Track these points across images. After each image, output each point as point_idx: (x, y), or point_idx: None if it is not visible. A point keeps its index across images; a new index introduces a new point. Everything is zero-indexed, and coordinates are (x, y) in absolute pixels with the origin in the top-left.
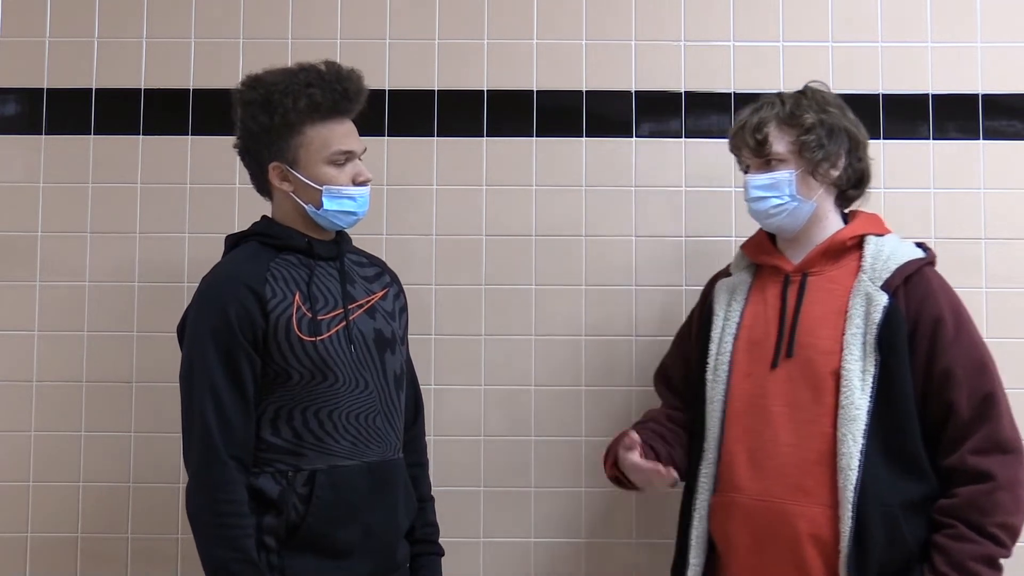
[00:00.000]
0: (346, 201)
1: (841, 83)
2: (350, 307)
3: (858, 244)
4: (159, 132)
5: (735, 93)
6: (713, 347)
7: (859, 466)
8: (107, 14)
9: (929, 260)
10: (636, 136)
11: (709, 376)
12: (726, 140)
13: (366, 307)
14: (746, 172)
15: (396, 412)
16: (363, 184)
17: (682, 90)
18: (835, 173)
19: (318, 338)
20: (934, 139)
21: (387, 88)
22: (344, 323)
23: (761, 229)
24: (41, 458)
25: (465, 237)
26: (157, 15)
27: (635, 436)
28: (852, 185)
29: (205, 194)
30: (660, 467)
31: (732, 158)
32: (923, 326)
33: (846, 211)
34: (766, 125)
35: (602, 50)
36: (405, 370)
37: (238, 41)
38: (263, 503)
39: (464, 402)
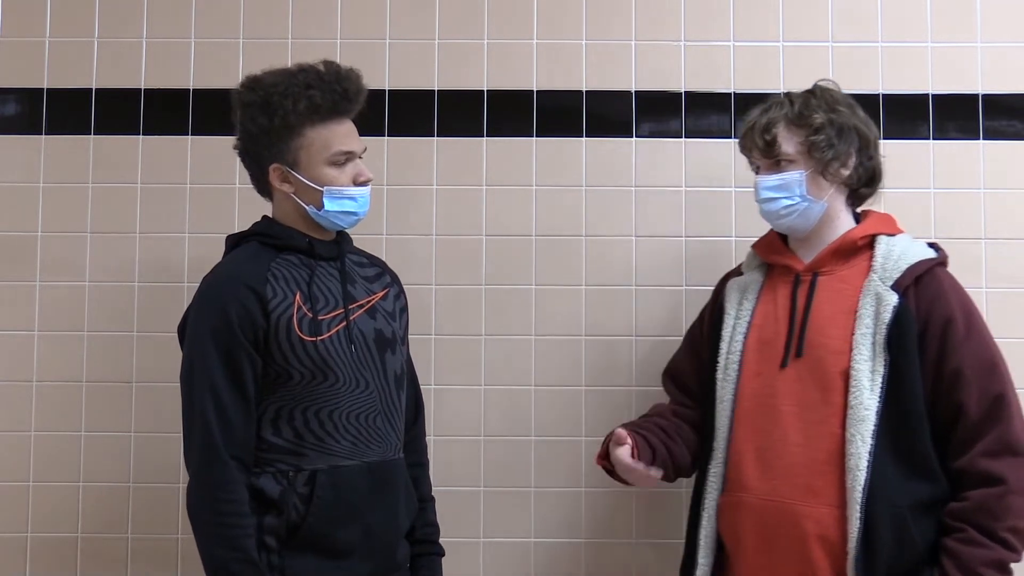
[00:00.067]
0: (347, 202)
1: (841, 83)
2: (351, 307)
3: (869, 244)
4: (159, 132)
5: (735, 93)
6: (724, 346)
7: (868, 467)
8: (107, 14)
9: (940, 260)
10: (636, 136)
11: (719, 375)
12: (726, 140)
13: (366, 307)
14: (756, 173)
15: (397, 412)
16: (364, 184)
17: (682, 90)
18: (845, 172)
19: (319, 338)
20: (934, 139)
21: (387, 88)
22: (345, 323)
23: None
24: (41, 458)
25: (465, 237)
26: (157, 15)
27: (623, 432)
28: (863, 184)
29: (205, 194)
30: (642, 467)
31: (732, 158)
32: (933, 326)
33: (858, 210)
34: (775, 126)
35: (602, 50)
36: (405, 370)
37: (238, 41)
38: (264, 503)
39: (464, 402)
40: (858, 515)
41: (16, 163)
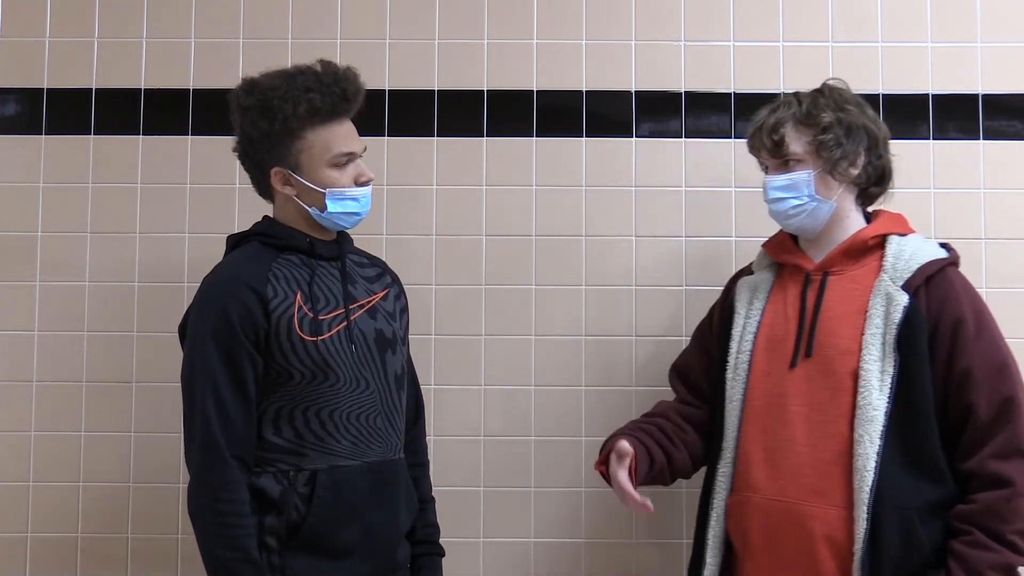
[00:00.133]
0: (349, 202)
1: None
2: (351, 307)
3: (880, 244)
4: (159, 132)
5: (735, 93)
6: (733, 346)
7: (875, 468)
8: (107, 14)
9: (952, 260)
10: (636, 136)
11: (729, 375)
12: (726, 140)
13: (367, 307)
14: (765, 173)
15: (397, 412)
16: (365, 184)
17: (682, 90)
18: (854, 172)
19: (319, 338)
20: (934, 139)
21: (387, 88)
22: (345, 323)
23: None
24: (41, 458)
25: (465, 237)
26: (157, 15)
27: (627, 447)
28: (873, 183)
29: (205, 194)
30: (638, 497)
31: (732, 158)
32: (944, 327)
33: (869, 210)
34: (783, 125)
35: (602, 50)
36: (406, 370)
37: (238, 41)
38: (264, 503)
39: (464, 402)
40: (865, 516)
41: (16, 163)
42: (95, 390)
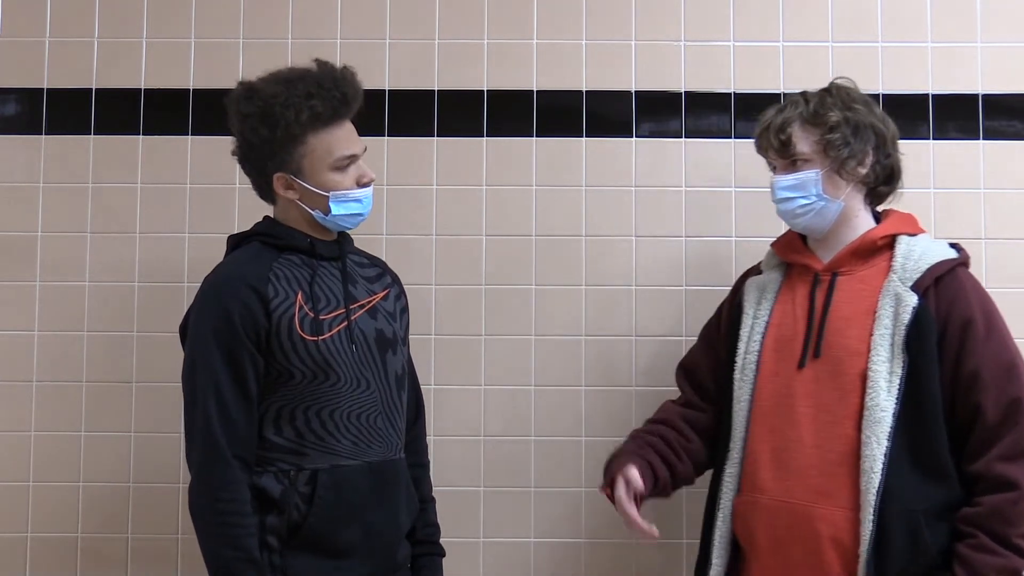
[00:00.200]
0: (352, 204)
1: None
2: (352, 307)
3: (890, 244)
4: (159, 132)
5: (735, 93)
6: (741, 346)
7: (882, 469)
8: (107, 14)
9: (962, 260)
10: (636, 136)
11: (737, 375)
12: (726, 140)
13: (367, 307)
14: (773, 173)
15: (398, 412)
16: (367, 185)
17: (682, 90)
18: (862, 171)
19: (320, 337)
20: (934, 139)
21: (387, 88)
22: (346, 323)
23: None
24: (41, 458)
25: (465, 237)
26: (157, 15)
27: (638, 482)
28: (882, 182)
29: (205, 194)
30: (645, 526)
31: (732, 158)
32: (952, 327)
33: (879, 209)
34: (790, 125)
35: (602, 50)
36: (407, 370)
37: (238, 41)
38: (265, 502)
39: (464, 402)
40: (871, 518)
41: (16, 163)
42: (95, 390)
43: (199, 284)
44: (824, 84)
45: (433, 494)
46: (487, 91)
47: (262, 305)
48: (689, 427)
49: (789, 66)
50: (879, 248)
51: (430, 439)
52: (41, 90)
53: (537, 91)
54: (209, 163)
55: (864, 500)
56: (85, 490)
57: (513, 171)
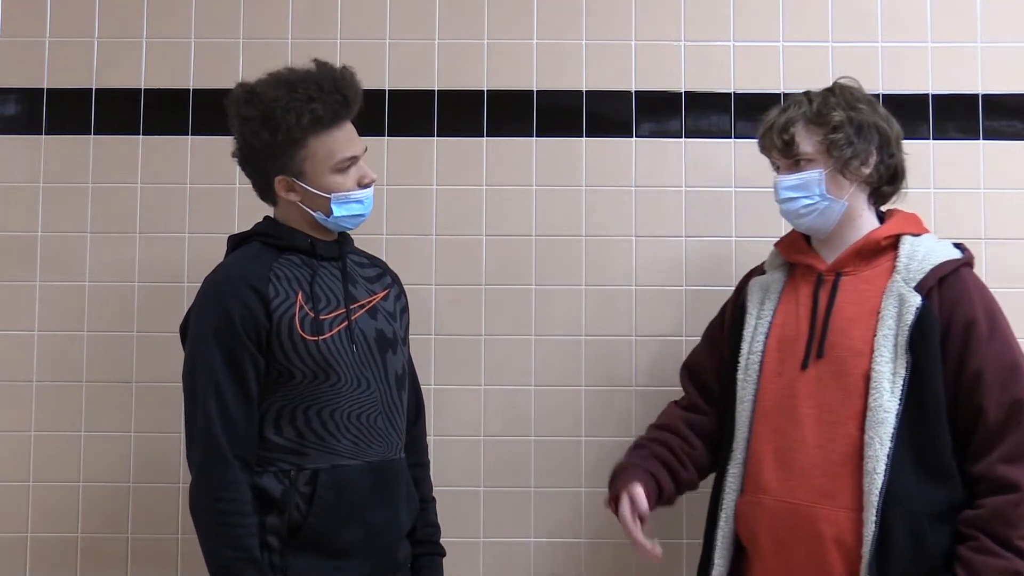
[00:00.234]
0: (354, 205)
1: None
2: (352, 307)
3: (893, 244)
4: (159, 132)
5: (735, 93)
6: (745, 346)
7: (885, 470)
8: (107, 14)
9: (966, 261)
10: (636, 136)
11: (740, 375)
12: (726, 140)
13: (368, 307)
14: (777, 173)
15: (398, 412)
16: (368, 186)
17: (682, 90)
18: (866, 171)
19: (320, 337)
20: (934, 139)
21: (387, 88)
22: (346, 323)
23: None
24: (41, 458)
25: (465, 237)
26: (157, 15)
27: (642, 502)
28: (885, 182)
29: (205, 194)
30: (648, 545)
31: (732, 158)
32: (956, 328)
33: (883, 209)
34: (793, 125)
35: (602, 50)
36: (407, 370)
37: (238, 41)
38: (266, 502)
39: (464, 402)
40: (874, 519)
41: (16, 163)
42: (95, 390)
43: (199, 284)
44: (824, 84)
45: (433, 494)
46: (487, 91)
47: (262, 305)
48: (693, 433)
49: (789, 66)
50: (883, 248)
51: (430, 439)
52: (41, 90)
53: (537, 91)
54: (209, 163)
55: (867, 501)
56: (85, 490)
57: (513, 171)
